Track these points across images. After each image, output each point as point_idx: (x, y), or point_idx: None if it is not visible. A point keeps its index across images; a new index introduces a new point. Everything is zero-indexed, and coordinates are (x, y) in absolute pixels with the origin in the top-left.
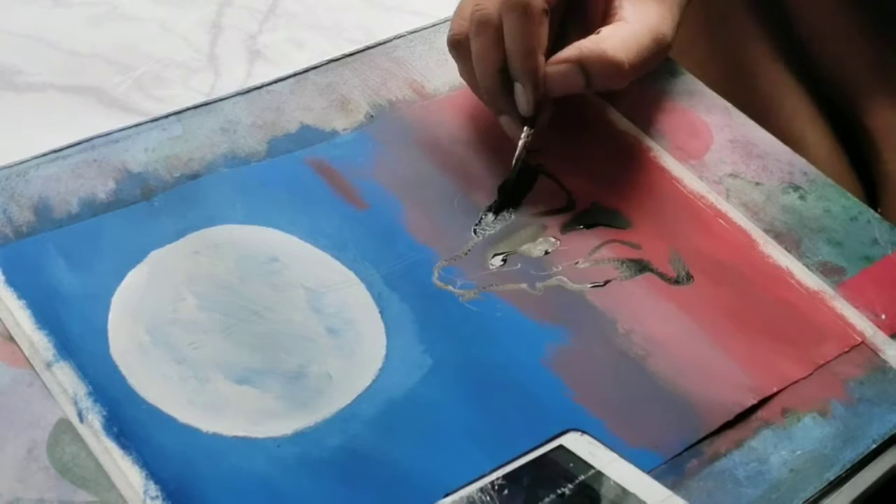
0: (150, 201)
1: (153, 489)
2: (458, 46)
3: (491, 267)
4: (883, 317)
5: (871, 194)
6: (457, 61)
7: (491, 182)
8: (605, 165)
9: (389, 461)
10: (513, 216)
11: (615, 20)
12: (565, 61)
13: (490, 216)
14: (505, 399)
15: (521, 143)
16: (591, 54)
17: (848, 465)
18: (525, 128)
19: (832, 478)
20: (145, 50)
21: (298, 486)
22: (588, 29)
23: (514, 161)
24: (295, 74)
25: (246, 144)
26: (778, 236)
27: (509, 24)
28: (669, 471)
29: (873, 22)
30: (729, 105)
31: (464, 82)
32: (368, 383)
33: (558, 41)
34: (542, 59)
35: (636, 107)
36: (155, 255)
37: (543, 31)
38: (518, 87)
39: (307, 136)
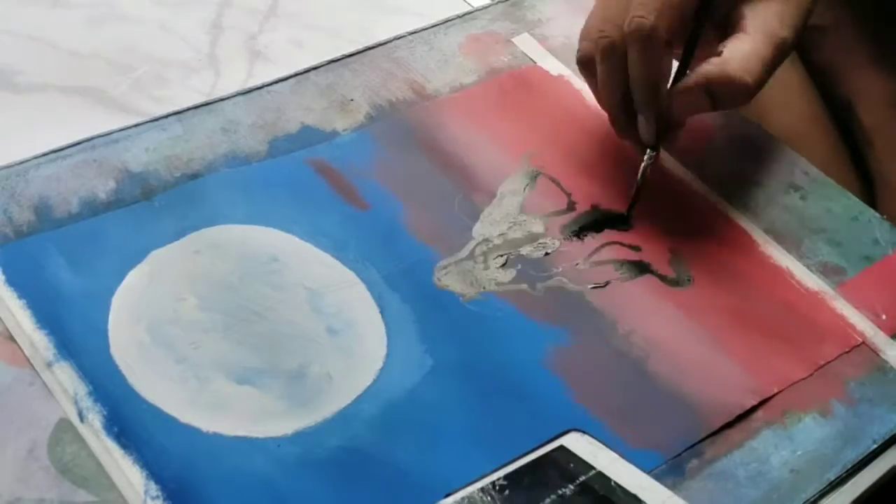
0: (151, 201)
1: (154, 489)
2: (587, 65)
3: (492, 267)
4: (883, 317)
5: (871, 194)
6: (585, 79)
7: (491, 182)
8: (605, 167)
9: (390, 461)
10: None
11: (737, 30)
12: (691, 88)
13: (493, 216)
14: (505, 399)
15: (643, 165)
16: (716, 78)
17: (848, 466)
18: (648, 150)
19: (833, 478)
20: (145, 50)
21: (299, 486)
22: (712, 42)
23: (636, 183)
24: (295, 75)
25: (246, 144)
26: (778, 236)
27: (632, 55)
28: (670, 471)
29: (872, 18)
30: None
31: (464, 83)
32: (369, 383)
33: (686, 57)
34: (664, 89)
35: None
36: (155, 255)
37: (666, 62)
38: (641, 118)
39: (308, 137)
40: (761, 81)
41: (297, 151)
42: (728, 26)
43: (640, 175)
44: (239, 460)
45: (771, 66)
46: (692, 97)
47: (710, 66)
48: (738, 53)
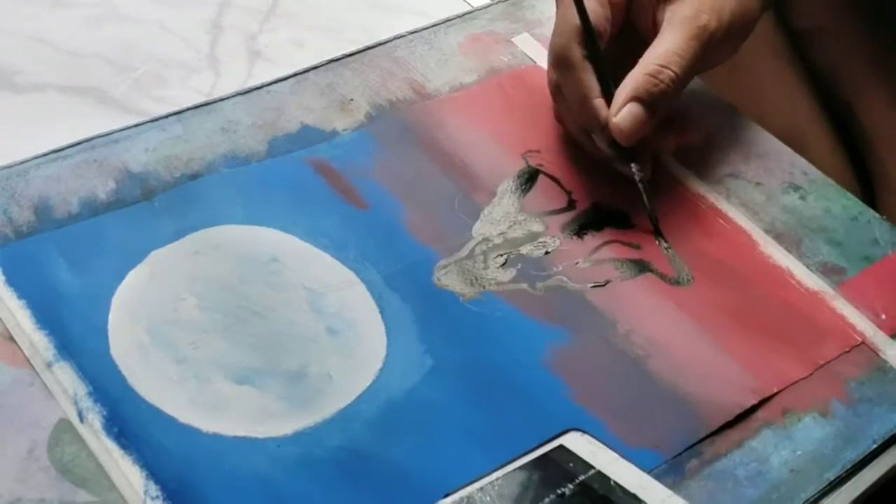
0: (151, 201)
1: (153, 489)
2: (560, 121)
3: (492, 267)
4: (883, 317)
5: (871, 194)
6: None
7: (491, 182)
8: (604, 165)
9: (389, 461)
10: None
11: (656, 34)
12: (621, 105)
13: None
14: (505, 399)
15: (637, 180)
16: (638, 83)
17: (848, 465)
18: (632, 165)
19: (832, 478)
20: (145, 50)
21: (299, 486)
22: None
23: (642, 200)
24: (295, 74)
25: (246, 144)
26: (778, 236)
27: (560, 82)
28: (670, 471)
29: (872, 18)
30: (729, 105)
31: (464, 82)
32: (369, 383)
33: (601, 77)
34: (597, 102)
35: None
36: (155, 255)
37: (587, 76)
38: (593, 135)
39: (307, 136)
40: (685, 70)
41: (296, 151)
42: (655, 30)
43: (642, 196)
44: (239, 460)
45: (693, 55)
46: (626, 113)
47: (629, 77)
48: (654, 52)
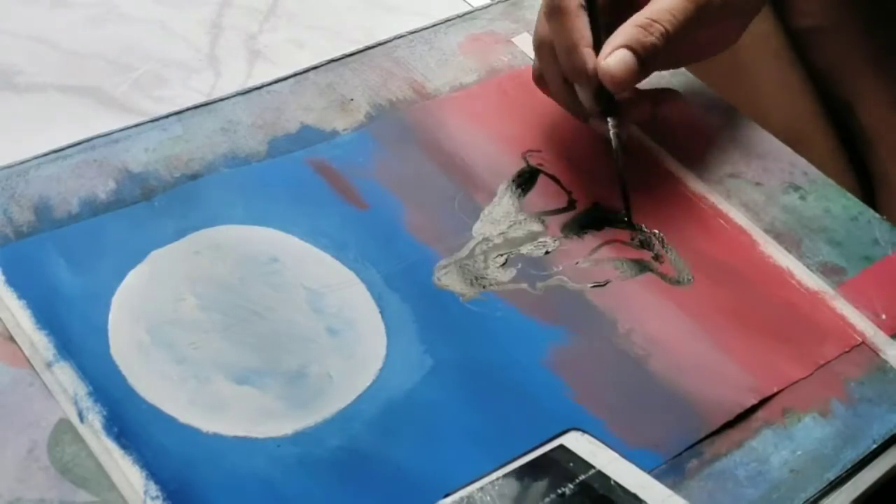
0: (151, 201)
1: (153, 489)
2: (540, 81)
3: (492, 267)
4: (883, 317)
5: (871, 194)
6: (546, 94)
7: (491, 182)
8: (605, 165)
9: (389, 461)
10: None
11: None
12: (611, 51)
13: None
14: (505, 399)
15: (611, 135)
16: (629, 31)
17: (848, 465)
18: (609, 119)
19: (832, 478)
20: (145, 50)
21: (299, 486)
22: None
23: (613, 157)
24: (295, 74)
25: (246, 144)
26: (778, 236)
27: (551, 29)
28: (670, 471)
29: (872, 18)
30: (729, 105)
31: (464, 82)
32: (369, 383)
33: (593, 25)
34: (586, 51)
35: None
36: (155, 255)
37: (581, 24)
38: (577, 87)
39: (307, 136)
40: (676, 29)
41: (296, 151)
42: None
43: (615, 153)
44: (239, 460)
45: (686, 16)
46: (615, 58)
47: (623, 25)
48: (647, 9)
